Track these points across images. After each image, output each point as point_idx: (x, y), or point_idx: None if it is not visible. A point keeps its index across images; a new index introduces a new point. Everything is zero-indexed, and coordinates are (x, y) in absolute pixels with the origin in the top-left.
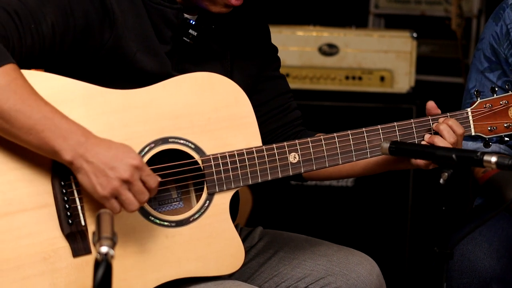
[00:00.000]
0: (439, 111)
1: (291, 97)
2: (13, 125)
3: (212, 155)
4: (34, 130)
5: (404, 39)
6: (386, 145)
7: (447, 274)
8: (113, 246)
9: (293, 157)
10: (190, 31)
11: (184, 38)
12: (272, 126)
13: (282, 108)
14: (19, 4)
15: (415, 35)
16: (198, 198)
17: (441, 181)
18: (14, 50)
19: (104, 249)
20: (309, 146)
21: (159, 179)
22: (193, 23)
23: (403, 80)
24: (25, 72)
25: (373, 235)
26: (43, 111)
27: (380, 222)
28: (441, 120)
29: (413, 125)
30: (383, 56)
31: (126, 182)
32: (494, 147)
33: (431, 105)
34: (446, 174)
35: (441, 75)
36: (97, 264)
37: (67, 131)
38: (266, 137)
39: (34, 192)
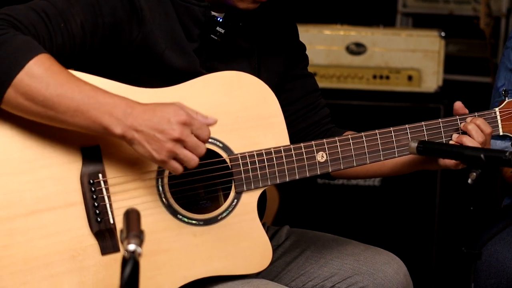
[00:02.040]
0: (466, 111)
1: (320, 95)
2: (57, 110)
3: (240, 154)
4: (79, 111)
5: (432, 38)
6: (414, 144)
7: (474, 275)
8: (140, 244)
9: (320, 156)
10: (218, 28)
11: (211, 35)
12: (302, 125)
13: (311, 107)
14: (48, 4)
15: (443, 34)
16: (226, 197)
17: (469, 181)
18: (44, 48)
19: (131, 246)
20: (337, 146)
21: (209, 131)
22: (221, 20)
23: (431, 79)
24: None
25: (400, 234)
26: (84, 90)
27: (407, 222)
28: (468, 119)
29: (441, 124)
30: (410, 55)
31: (179, 141)
32: None
33: (458, 105)
34: (475, 174)
35: (469, 74)
36: (124, 261)
37: (112, 105)
38: (296, 136)
39: (62, 190)
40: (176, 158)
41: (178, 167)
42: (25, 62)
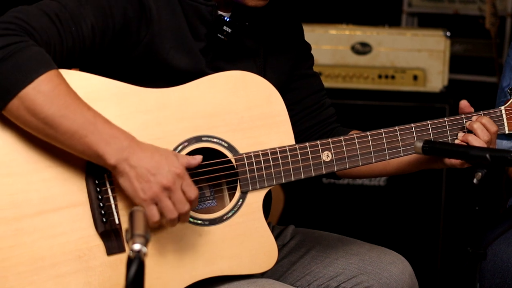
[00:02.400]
0: (472, 110)
1: (325, 95)
2: (57, 130)
3: (246, 153)
4: (78, 135)
5: (438, 38)
6: (419, 144)
7: (480, 274)
8: (146, 243)
9: (326, 156)
10: (225, 27)
11: (218, 35)
12: (307, 125)
13: (316, 107)
14: (59, 7)
15: (448, 34)
16: (231, 196)
17: (475, 181)
18: (55, 54)
19: (137, 246)
20: (342, 145)
21: (197, 192)
22: (228, 19)
23: (436, 79)
24: (60, 71)
25: (405, 234)
26: (86, 116)
27: (412, 222)
28: (474, 118)
29: (446, 123)
30: (416, 55)
31: (167, 189)
32: None
33: (464, 103)
34: (480, 174)
35: (474, 74)
36: (129, 261)
37: (110, 135)
38: (301, 136)
39: (68, 190)
40: (158, 204)
41: (155, 214)
42: (35, 77)
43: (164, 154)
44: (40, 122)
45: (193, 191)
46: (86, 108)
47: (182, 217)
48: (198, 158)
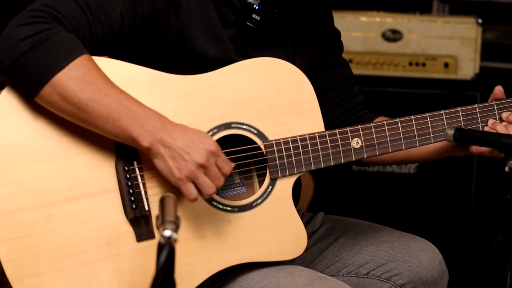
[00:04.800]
0: (505, 97)
1: (354, 83)
2: (90, 114)
3: (275, 140)
4: (111, 118)
5: (469, 25)
6: (451, 132)
7: (511, 263)
8: (176, 230)
9: (355, 142)
10: (253, 15)
11: (247, 22)
12: (335, 114)
13: (345, 96)
14: None
15: (480, 21)
16: (260, 183)
17: (507, 169)
18: (84, 41)
19: (167, 232)
20: (372, 132)
21: (233, 165)
22: (257, 7)
23: (468, 66)
24: None
25: (435, 222)
26: (119, 99)
27: (443, 209)
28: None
29: (477, 110)
30: (447, 42)
31: (202, 167)
32: None
33: (498, 89)
34: None
35: (506, 61)
36: (160, 247)
37: (144, 117)
38: (329, 124)
39: (98, 177)
40: (194, 181)
41: (193, 191)
42: (66, 63)
43: (197, 133)
44: (73, 107)
45: (228, 167)
46: (118, 91)
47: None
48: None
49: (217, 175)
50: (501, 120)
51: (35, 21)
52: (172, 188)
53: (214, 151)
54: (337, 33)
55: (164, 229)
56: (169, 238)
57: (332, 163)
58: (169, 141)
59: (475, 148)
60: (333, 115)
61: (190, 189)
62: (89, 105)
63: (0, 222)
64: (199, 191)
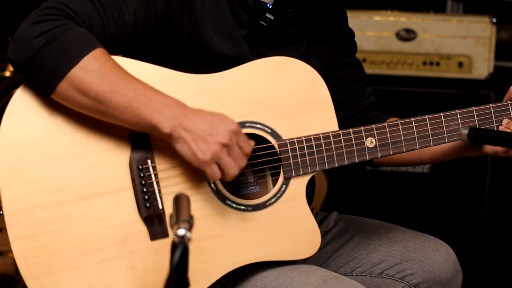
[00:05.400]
0: None
1: (367, 84)
2: (108, 106)
3: (289, 139)
4: (130, 108)
5: (483, 25)
6: (465, 131)
7: None
8: (190, 228)
9: (370, 142)
10: (267, 14)
11: (261, 22)
12: (347, 114)
13: (356, 96)
14: None
15: (494, 20)
16: (274, 182)
17: None
18: (98, 39)
19: (181, 231)
20: (386, 131)
21: (253, 143)
22: (270, 6)
23: (482, 66)
24: None
25: (449, 221)
26: (136, 88)
27: (456, 209)
28: None
29: (491, 110)
30: (461, 42)
31: (226, 146)
32: None
33: None
34: None
35: None
36: (174, 246)
37: (162, 104)
38: (341, 124)
39: (112, 175)
40: (218, 162)
41: (217, 173)
42: (81, 57)
43: (217, 114)
44: (91, 100)
45: (248, 146)
46: (134, 81)
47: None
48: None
49: (240, 155)
50: None
51: (48, 19)
52: (186, 187)
53: (236, 130)
54: (351, 33)
55: (178, 228)
56: (183, 237)
57: (346, 163)
58: (190, 124)
59: (489, 148)
60: (345, 115)
61: (215, 171)
62: (106, 96)
63: (14, 220)
64: (223, 172)
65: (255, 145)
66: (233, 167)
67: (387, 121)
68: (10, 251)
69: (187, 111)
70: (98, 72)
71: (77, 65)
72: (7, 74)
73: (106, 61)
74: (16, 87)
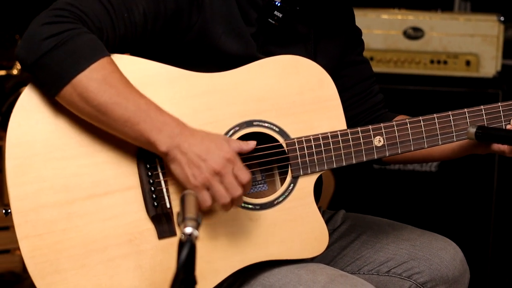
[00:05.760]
0: None
1: (374, 82)
2: (109, 117)
3: (297, 138)
4: (130, 122)
5: (491, 23)
6: (472, 130)
7: None
8: (197, 227)
9: (378, 141)
10: (275, 12)
11: (269, 19)
12: (354, 112)
13: (364, 94)
14: None
15: (502, 18)
16: (282, 181)
17: None
18: (108, 40)
19: (188, 229)
20: (394, 130)
21: (250, 175)
22: (279, 4)
23: (490, 64)
24: (112, 56)
25: (457, 220)
26: (138, 103)
27: (464, 207)
28: None
29: (500, 108)
30: (469, 40)
31: (218, 174)
32: None
33: None
34: None
35: None
36: (181, 244)
37: (162, 123)
38: (348, 122)
39: (120, 174)
40: (209, 189)
41: (207, 200)
42: (88, 65)
43: (214, 140)
44: (93, 109)
45: (244, 175)
46: (138, 95)
47: (235, 201)
48: (252, 144)
49: (233, 184)
50: None
51: (58, 21)
52: None
53: (231, 159)
54: (358, 31)
55: (185, 226)
56: (190, 235)
57: (354, 161)
58: (186, 147)
59: (496, 147)
60: (352, 113)
61: (205, 197)
62: (108, 107)
63: (22, 219)
64: (214, 200)
65: (263, 145)
66: (224, 196)
67: (395, 119)
68: (18, 248)
69: (186, 133)
70: (102, 82)
71: (83, 72)
72: (15, 72)
73: (112, 72)
74: (24, 85)
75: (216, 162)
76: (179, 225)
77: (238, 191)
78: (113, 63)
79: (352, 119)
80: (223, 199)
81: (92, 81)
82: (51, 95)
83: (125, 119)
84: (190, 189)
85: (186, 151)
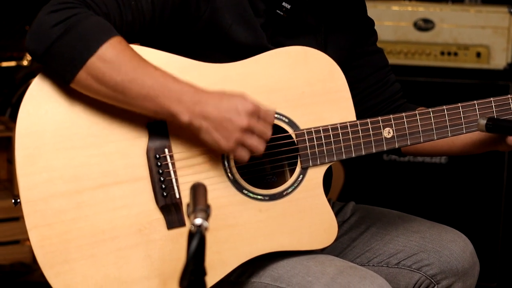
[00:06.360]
0: None
1: (390, 71)
2: (127, 95)
3: (306, 129)
4: (149, 97)
5: (502, 15)
6: (483, 122)
7: None
8: (207, 218)
9: (387, 132)
10: (284, 3)
11: (277, 10)
12: (372, 103)
13: (380, 84)
14: None
15: None
16: (291, 172)
17: None
18: (115, 27)
19: (198, 221)
20: (404, 122)
21: (275, 110)
22: None
23: (500, 56)
24: None
25: (466, 212)
26: (154, 76)
27: (473, 199)
28: None
29: (510, 100)
30: (479, 32)
31: (247, 129)
32: None
33: None
34: None
35: None
36: (191, 235)
37: (180, 93)
38: (367, 113)
39: (129, 164)
40: (244, 145)
41: (245, 155)
42: (98, 46)
43: (233, 98)
44: (110, 89)
45: (270, 115)
46: (153, 69)
47: (267, 140)
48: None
49: (263, 130)
50: None
51: (64, 7)
52: (203, 176)
53: (253, 110)
54: (371, 22)
55: (195, 217)
56: (200, 226)
57: (363, 153)
58: (208, 112)
59: (510, 140)
60: (371, 103)
61: (242, 154)
62: (125, 86)
63: (31, 209)
64: (251, 151)
65: (273, 135)
66: (259, 144)
67: (418, 109)
68: (27, 239)
69: (205, 98)
70: (116, 61)
71: (95, 54)
72: (25, 63)
73: (123, 49)
74: (34, 76)
75: (241, 119)
76: (189, 216)
77: (269, 132)
78: (123, 41)
79: (370, 110)
80: (261, 147)
81: (105, 62)
82: (67, 82)
83: (144, 94)
84: (225, 151)
85: (209, 116)
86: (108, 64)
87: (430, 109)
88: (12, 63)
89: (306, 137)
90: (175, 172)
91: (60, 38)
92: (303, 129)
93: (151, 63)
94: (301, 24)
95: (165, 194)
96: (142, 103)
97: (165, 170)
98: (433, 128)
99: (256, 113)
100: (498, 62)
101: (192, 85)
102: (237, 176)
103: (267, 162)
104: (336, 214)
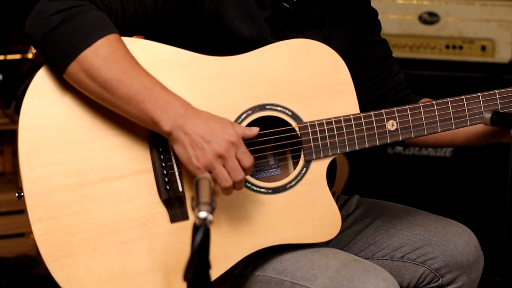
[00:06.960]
0: None
1: (394, 61)
2: (114, 94)
3: (309, 122)
4: (134, 100)
5: (507, 8)
6: (488, 115)
7: None
8: (211, 211)
9: (391, 125)
10: None
11: (283, 3)
12: (376, 93)
13: (384, 74)
14: None
15: None
16: (295, 165)
17: None
18: (117, 19)
19: (202, 214)
20: (408, 114)
21: (253, 159)
22: None
23: (505, 49)
24: (124, 39)
25: (471, 206)
26: (143, 81)
27: (478, 193)
28: None
29: None
30: (485, 25)
31: (221, 157)
32: None
33: None
34: None
35: None
36: (195, 228)
37: (167, 102)
38: (371, 104)
39: (132, 158)
40: (211, 172)
41: (205, 182)
42: (94, 40)
43: (219, 122)
44: (98, 86)
45: (247, 159)
46: (144, 74)
47: (236, 185)
48: (255, 130)
49: (236, 168)
50: None
51: None
52: None
53: (235, 142)
54: (374, 12)
55: (200, 210)
56: (204, 219)
57: (367, 145)
58: (190, 128)
59: None
60: (375, 94)
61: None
62: (113, 84)
63: (35, 202)
64: (216, 182)
65: (275, 128)
66: (226, 179)
67: (420, 101)
68: (32, 232)
69: (190, 114)
70: (108, 59)
71: (89, 48)
72: (30, 56)
73: (118, 48)
74: (39, 69)
75: (220, 144)
76: (193, 209)
77: (240, 175)
78: (120, 40)
79: (375, 101)
80: (225, 182)
81: (98, 57)
82: (59, 72)
83: (130, 97)
84: (192, 170)
85: (190, 132)
86: (100, 60)
87: (434, 101)
88: (17, 56)
89: (310, 130)
90: (178, 165)
91: (58, 27)
92: (306, 122)
93: (144, 68)
94: (306, 16)
95: (168, 187)
96: (126, 106)
97: (168, 164)
98: (437, 121)
99: (236, 146)
100: (503, 55)
101: (181, 99)
102: None
103: (270, 155)
104: (341, 207)
